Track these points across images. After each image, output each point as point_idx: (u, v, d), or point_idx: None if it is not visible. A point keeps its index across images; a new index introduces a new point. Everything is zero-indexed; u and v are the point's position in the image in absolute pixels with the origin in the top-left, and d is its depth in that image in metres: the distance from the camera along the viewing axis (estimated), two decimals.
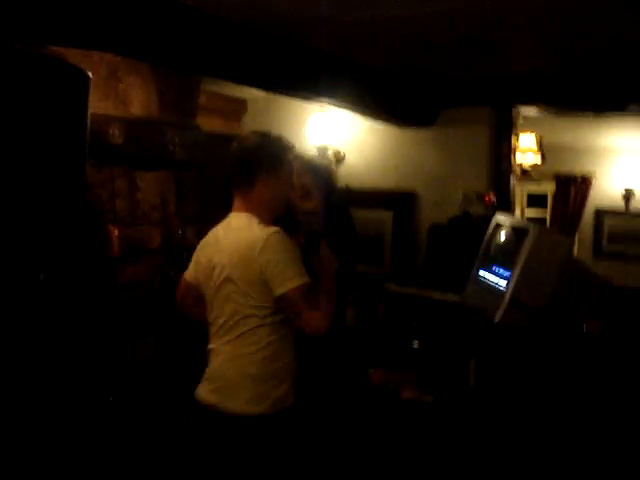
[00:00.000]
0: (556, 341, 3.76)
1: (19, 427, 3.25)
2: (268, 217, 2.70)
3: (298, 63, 4.23)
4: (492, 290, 3.61)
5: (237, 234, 2.65)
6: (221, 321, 2.68)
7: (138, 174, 4.26)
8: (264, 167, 2.68)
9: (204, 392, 2.72)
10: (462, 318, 4.13)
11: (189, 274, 2.91)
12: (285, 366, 2.67)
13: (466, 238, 4.65)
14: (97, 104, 3.50)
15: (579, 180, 8.16)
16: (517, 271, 3.42)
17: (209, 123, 5.47)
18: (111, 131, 3.87)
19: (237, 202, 2.73)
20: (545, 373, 3.84)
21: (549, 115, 5.57)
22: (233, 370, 2.65)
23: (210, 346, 2.76)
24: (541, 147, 6.58)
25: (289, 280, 2.53)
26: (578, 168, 8.15)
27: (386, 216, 5.84)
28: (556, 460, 3.59)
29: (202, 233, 2.89)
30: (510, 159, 5.71)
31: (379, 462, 3.79)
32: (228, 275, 2.62)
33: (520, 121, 5.77)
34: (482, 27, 3.74)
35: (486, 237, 3.92)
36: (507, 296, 3.41)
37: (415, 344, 4.41)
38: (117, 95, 4.07)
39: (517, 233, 3.61)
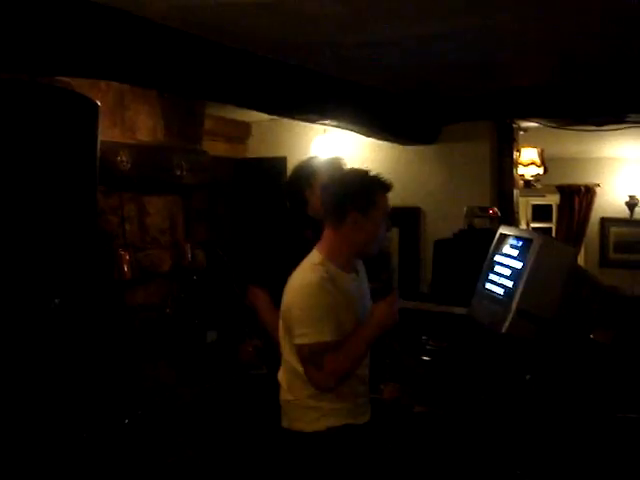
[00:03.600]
0: (564, 350, 3.77)
1: (35, 452, 3.29)
2: (349, 257, 2.67)
3: (301, 86, 4.31)
4: (498, 301, 3.62)
5: (294, 273, 2.64)
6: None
7: (147, 199, 4.32)
8: (355, 204, 2.57)
9: None
10: (471, 331, 4.14)
11: None
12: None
13: (471, 251, 4.67)
14: (105, 131, 3.55)
15: (583, 190, 8.19)
16: (522, 281, 3.42)
17: (214, 147, 5.54)
18: (119, 158, 3.92)
19: (323, 237, 2.69)
20: (554, 383, 3.86)
21: (550, 128, 5.61)
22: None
23: None
24: (543, 160, 6.62)
25: (302, 336, 2.50)
26: (582, 179, 8.19)
27: (392, 233, 5.89)
28: (563, 471, 3.60)
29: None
30: (512, 172, 5.77)
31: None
32: (282, 312, 2.66)
33: (521, 134, 5.83)
34: (482, 46, 3.81)
35: (491, 249, 3.94)
36: (513, 306, 3.41)
37: (425, 358, 4.44)
38: (124, 122, 4.14)
39: (521, 243, 3.62)
